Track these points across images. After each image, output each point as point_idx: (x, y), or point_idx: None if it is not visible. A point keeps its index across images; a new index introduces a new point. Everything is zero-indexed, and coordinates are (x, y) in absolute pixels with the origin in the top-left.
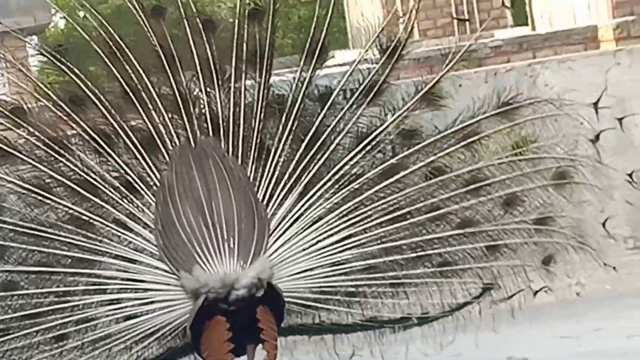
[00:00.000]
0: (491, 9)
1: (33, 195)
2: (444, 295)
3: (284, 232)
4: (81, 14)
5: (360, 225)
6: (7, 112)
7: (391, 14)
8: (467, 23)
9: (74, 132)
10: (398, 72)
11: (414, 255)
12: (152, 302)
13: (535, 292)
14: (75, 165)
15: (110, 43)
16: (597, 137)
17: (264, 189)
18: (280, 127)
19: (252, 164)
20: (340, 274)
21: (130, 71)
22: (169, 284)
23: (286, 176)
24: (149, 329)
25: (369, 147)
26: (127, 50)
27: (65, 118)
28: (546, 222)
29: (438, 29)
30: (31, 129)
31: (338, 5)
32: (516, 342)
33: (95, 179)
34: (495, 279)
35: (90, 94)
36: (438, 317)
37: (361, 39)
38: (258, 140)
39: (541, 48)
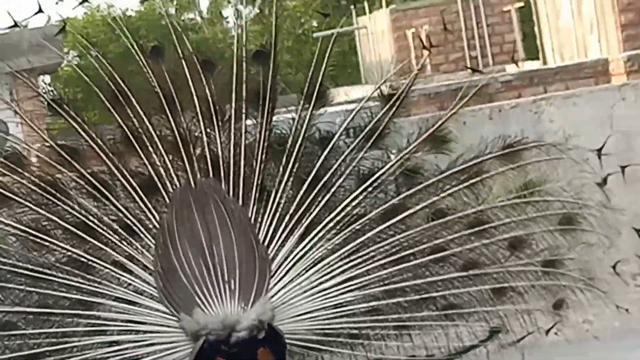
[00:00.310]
0: (503, 43)
1: (31, 237)
2: (450, 338)
3: (286, 273)
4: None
5: (362, 267)
6: (3, 160)
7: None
8: (479, 58)
9: (72, 176)
10: (406, 111)
11: (417, 297)
12: (152, 344)
13: (547, 331)
14: (73, 209)
15: (112, 85)
16: (605, 180)
17: (265, 230)
18: (281, 169)
19: (253, 205)
20: (342, 316)
21: (131, 114)
22: (169, 326)
23: (287, 217)
24: None
25: (370, 188)
26: (128, 92)
27: (62, 164)
28: (553, 264)
29: (450, 63)
30: (27, 174)
31: (350, 42)
32: None
33: (93, 222)
34: (503, 322)
35: (89, 140)
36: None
37: (374, 75)
38: (259, 182)
39: (552, 82)
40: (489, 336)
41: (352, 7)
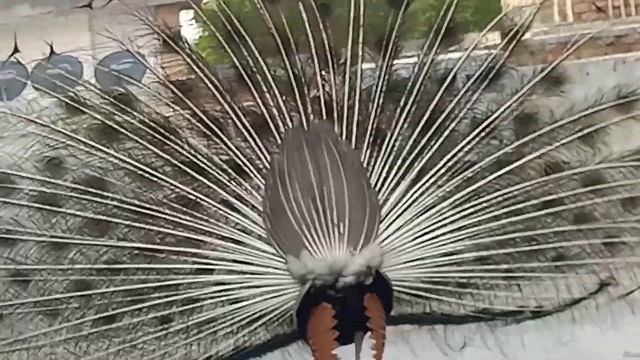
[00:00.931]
0: None
1: (140, 172)
2: (559, 289)
3: (395, 219)
4: None
5: (473, 217)
6: (112, 100)
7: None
8: (622, 7)
9: (185, 114)
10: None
11: (528, 248)
12: (258, 286)
13: None
14: (183, 148)
15: (228, 24)
16: None
17: (377, 174)
18: (398, 112)
19: (366, 149)
20: (451, 264)
21: (245, 53)
22: (276, 268)
23: (399, 162)
24: (255, 313)
25: (483, 134)
26: (243, 31)
27: (176, 102)
28: None
29: (592, 12)
30: (136, 114)
31: None
32: (636, 337)
33: (203, 162)
34: (613, 275)
35: (202, 77)
36: (552, 312)
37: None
38: (373, 125)
39: None
40: (598, 289)
41: None
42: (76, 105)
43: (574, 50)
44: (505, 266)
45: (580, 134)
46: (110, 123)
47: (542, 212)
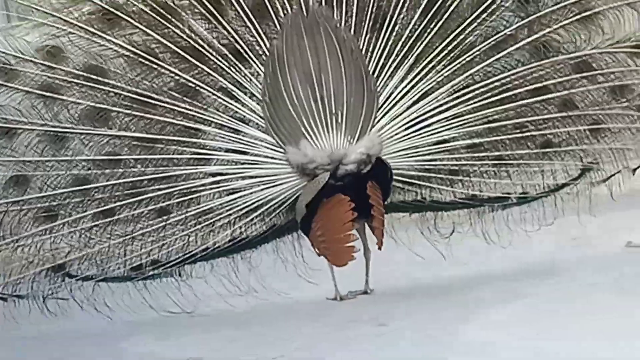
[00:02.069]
0: None
1: (140, 60)
2: (545, 175)
3: (393, 106)
4: None
5: (468, 104)
6: None
7: None
8: None
9: None
10: None
11: (518, 135)
12: (255, 176)
13: (634, 170)
14: (184, 32)
15: None
16: None
17: (376, 60)
18: None
19: (366, 34)
20: (444, 152)
21: None
22: (274, 158)
23: (398, 47)
24: (252, 203)
25: (484, 15)
26: None
27: None
28: None
29: None
30: None
31: None
32: (637, 227)
33: (203, 47)
34: (596, 160)
35: None
36: (537, 198)
37: None
38: (373, 9)
39: None
40: (580, 174)
41: None
42: None
43: None
44: (495, 153)
45: (578, 16)
46: (111, 8)
47: (534, 100)
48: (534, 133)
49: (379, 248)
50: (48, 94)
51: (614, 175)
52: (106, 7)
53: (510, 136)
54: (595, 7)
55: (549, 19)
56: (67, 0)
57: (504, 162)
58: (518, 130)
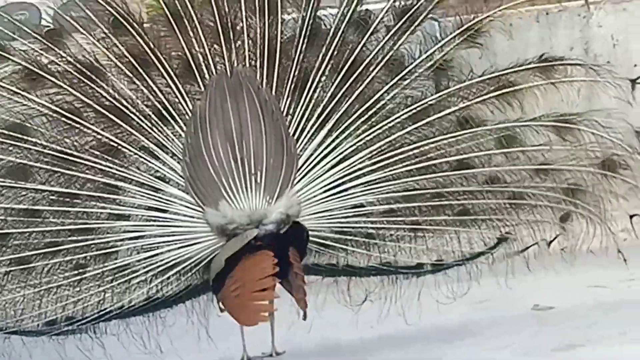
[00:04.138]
0: None
1: (63, 119)
2: (462, 243)
3: (312, 169)
4: None
5: (386, 171)
6: (41, 36)
7: None
8: None
9: (110, 55)
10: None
11: (436, 203)
12: (173, 234)
13: (549, 243)
14: (107, 92)
15: None
16: None
17: (296, 122)
18: (319, 59)
19: (287, 96)
20: (361, 215)
21: None
22: (192, 217)
23: (319, 110)
24: (170, 261)
25: (404, 83)
26: None
27: (102, 41)
28: (575, 194)
29: None
30: (64, 53)
31: None
32: (544, 290)
33: (126, 107)
34: (513, 231)
35: (129, 18)
36: (451, 266)
37: None
38: (296, 72)
39: None
40: (496, 243)
41: None
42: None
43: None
44: (412, 218)
45: (498, 92)
46: (34, 68)
47: (454, 172)
48: (452, 202)
49: (304, 318)
50: None
51: (530, 247)
52: (30, 67)
53: (427, 204)
54: (517, 84)
55: (468, 92)
56: None
57: (420, 227)
58: (436, 199)
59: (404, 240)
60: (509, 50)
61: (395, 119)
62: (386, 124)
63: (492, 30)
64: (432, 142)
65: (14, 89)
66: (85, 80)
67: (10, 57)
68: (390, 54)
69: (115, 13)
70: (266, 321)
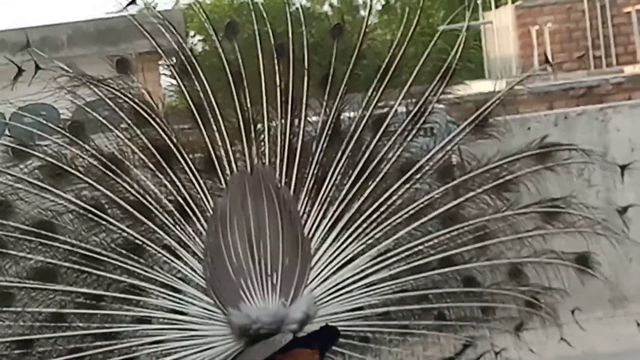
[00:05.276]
0: (628, 43)
1: (89, 215)
2: (442, 347)
3: (322, 270)
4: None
5: (389, 270)
6: (64, 130)
7: None
8: (604, 57)
9: (135, 147)
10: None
11: (423, 306)
12: (192, 338)
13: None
14: (132, 186)
15: (182, 56)
16: (625, 209)
17: (312, 222)
18: (337, 158)
19: (305, 195)
20: (359, 318)
21: (198, 88)
22: (211, 319)
23: (332, 209)
24: None
25: (414, 178)
26: (197, 65)
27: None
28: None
29: (573, 62)
30: (88, 146)
31: (475, 36)
32: None
33: (150, 202)
34: (473, 337)
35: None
36: None
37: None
38: (314, 172)
39: None
40: (462, 350)
41: (478, 1)
42: (23, 148)
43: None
44: (403, 322)
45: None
46: (59, 163)
47: (442, 271)
48: (434, 305)
49: None
50: None
51: (482, 356)
52: (54, 162)
53: (416, 306)
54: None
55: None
56: (14, 159)
57: (408, 331)
58: (424, 302)
59: (393, 343)
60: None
61: (403, 215)
62: (393, 222)
63: (510, 133)
64: (434, 238)
65: (40, 184)
66: (110, 174)
67: (34, 152)
68: (400, 150)
69: (136, 104)
70: None
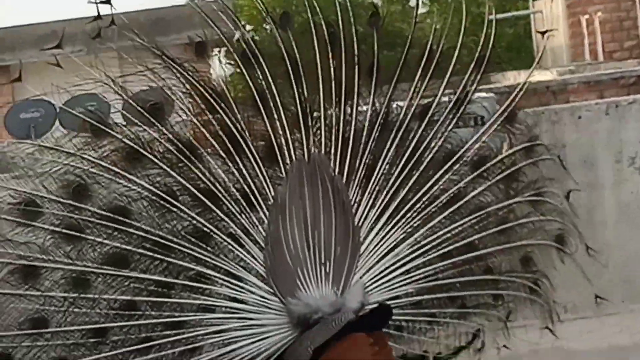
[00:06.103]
0: None
1: (162, 202)
2: (457, 336)
3: (368, 259)
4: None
5: (424, 257)
6: (145, 110)
7: None
8: None
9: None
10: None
11: (450, 295)
12: (251, 327)
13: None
14: (203, 174)
15: (245, 46)
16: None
17: (361, 211)
18: (386, 148)
19: (357, 184)
20: (396, 307)
21: (259, 75)
22: (270, 308)
23: (380, 198)
24: (246, 355)
25: (453, 169)
26: (258, 53)
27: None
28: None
29: (624, 51)
30: (165, 130)
31: (525, 26)
32: None
33: (219, 190)
34: (480, 327)
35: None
36: (446, 358)
37: (548, 59)
38: (366, 161)
39: None
40: (472, 339)
41: None
42: (102, 127)
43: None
44: (432, 310)
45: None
46: (136, 146)
47: (467, 256)
48: (458, 294)
49: None
50: (72, 232)
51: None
52: (132, 144)
53: (443, 295)
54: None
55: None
56: (92, 136)
57: (435, 319)
58: (452, 290)
59: (421, 332)
60: (577, 144)
61: (438, 203)
62: (431, 210)
63: (561, 123)
64: (460, 225)
65: (115, 168)
66: (185, 160)
67: (112, 132)
68: (442, 139)
69: (212, 90)
70: None
